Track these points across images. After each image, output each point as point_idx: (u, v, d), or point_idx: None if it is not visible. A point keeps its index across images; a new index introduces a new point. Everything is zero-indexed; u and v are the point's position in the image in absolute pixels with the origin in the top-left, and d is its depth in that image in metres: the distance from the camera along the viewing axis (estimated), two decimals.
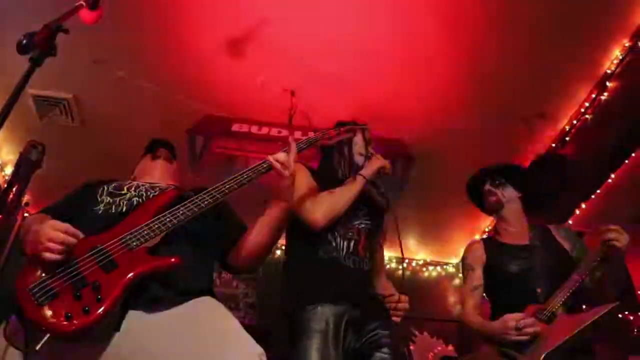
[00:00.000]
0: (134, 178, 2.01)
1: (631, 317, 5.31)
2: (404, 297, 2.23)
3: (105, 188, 1.76)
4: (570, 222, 4.43)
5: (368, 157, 2.38)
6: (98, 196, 1.72)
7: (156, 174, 2.01)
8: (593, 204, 4.21)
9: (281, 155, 1.72)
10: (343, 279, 2.09)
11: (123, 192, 1.74)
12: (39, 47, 1.29)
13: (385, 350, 1.98)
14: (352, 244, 2.18)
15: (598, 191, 4.08)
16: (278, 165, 1.69)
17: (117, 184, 1.79)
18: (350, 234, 2.20)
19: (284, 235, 2.12)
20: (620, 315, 5.28)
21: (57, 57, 1.39)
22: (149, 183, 1.84)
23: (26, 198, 5.06)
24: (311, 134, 4.00)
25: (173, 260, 1.43)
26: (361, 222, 2.26)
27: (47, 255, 1.32)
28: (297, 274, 2.18)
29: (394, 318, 2.18)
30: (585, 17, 3.57)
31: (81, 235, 1.39)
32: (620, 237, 2.18)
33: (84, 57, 3.97)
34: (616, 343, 5.43)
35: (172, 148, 2.17)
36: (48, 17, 1.40)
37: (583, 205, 4.25)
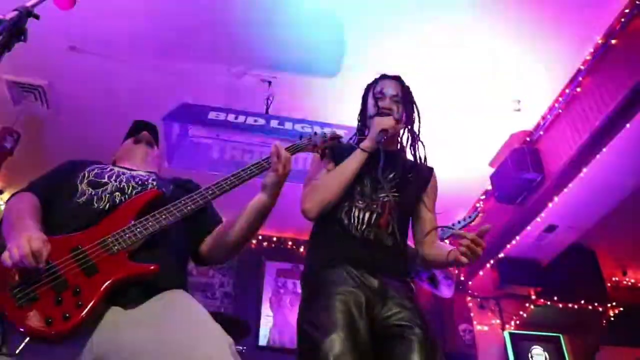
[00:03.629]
0: (115, 161, 1.99)
1: (601, 309, 5.48)
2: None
3: (87, 174, 1.73)
4: (543, 214, 4.52)
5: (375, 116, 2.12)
6: (79, 183, 1.69)
7: (137, 159, 1.98)
8: (565, 197, 4.29)
9: (286, 153, 1.72)
10: (358, 249, 1.91)
11: (104, 181, 1.70)
12: (7, 31, 1.25)
13: (417, 331, 1.75)
14: (374, 216, 1.98)
15: (570, 185, 4.16)
16: (275, 159, 1.69)
17: (98, 169, 1.76)
18: (373, 206, 1.99)
19: None
20: (590, 307, 5.46)
21: (32, 44, 1.36)
22: (130, 171, 1.82)
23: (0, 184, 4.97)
24: (289, 125, 4.03)
25: (152, 268, 1.44)
26: (387, 195, 2.01)
27: (4, 257, 1.30)
28: (312, 247, 2.05)
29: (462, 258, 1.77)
30: (560, 13, 3.64)
31: (42, 264, 1.32)
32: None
33: (59, 44, 3.90)
34: (587, 333, 5.62)
35: (155, 131, 2.14)
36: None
37: (555, 199, 4.33)
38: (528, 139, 4.68)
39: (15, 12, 1.30)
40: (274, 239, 6.03)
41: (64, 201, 1.64)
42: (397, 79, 2.23)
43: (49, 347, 1.31)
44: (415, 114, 2.22)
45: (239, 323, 3.72)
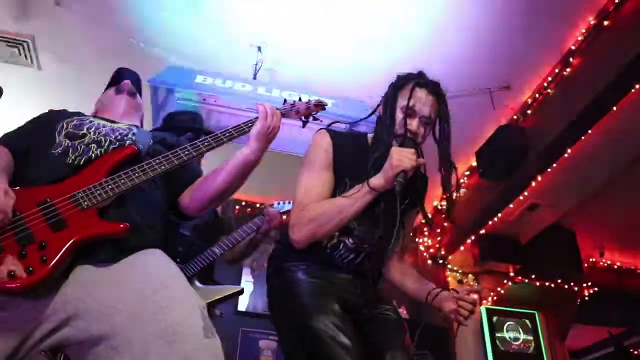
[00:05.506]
0: (96, 112, 1.95)
1: (576, 288, 5.58)
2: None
3: (65, 125, 1.69)
4: (526, 193, 4.54)
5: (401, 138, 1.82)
6: (57, 134, 1.66)
7: (118, 110, 1.94)
8: (548, 176, 4.31)
9: (270, 106, 1.69)
10: (337, 277, 1.84)
11: (82, 132, 1.67)
12: None
13: (389, 309, 1.86)
14: (359, 258, 1.88)
15: (554, 165, 4.18)
16: (262, 109, 1.66)
17: (77, 121, 1.72)
18: (363, 246, 1.86)
19: None
20: (567, 286, 5.55)
21: None
22: (111, 124, 1.78)
23: None
24: (276, 92, 4.00)
25: (122, 226, 1.41)
26: (382, 236, 1.84)
27: None
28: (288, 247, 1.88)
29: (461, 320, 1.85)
30: None
31: (7, 219, 1.31)
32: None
33: None
34: (561, 311, 5.72)
35: (138, 80, 2.09)
36: None
37: (539, 178, 4.35)
38: (515, 116, 4.68)
39: None
40: (257, 205, 6.00)
41: (39, 153, 1.61)
42: (437, 94, 1.88)
43: (15, 301, 1.30)
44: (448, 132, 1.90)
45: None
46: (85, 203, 1.41)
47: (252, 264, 5.50)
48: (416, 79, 1.88)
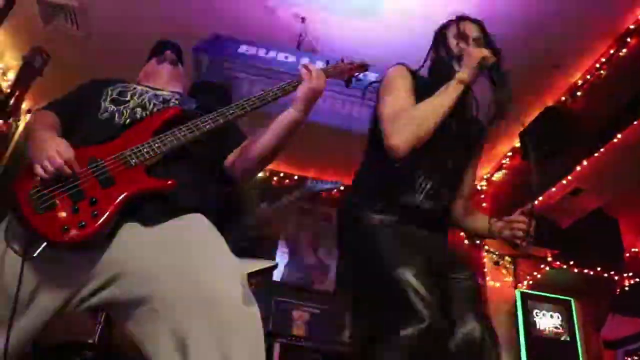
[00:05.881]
0: (139, 81, 1.98)
1: (616, 278, 5.43)
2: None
3: (110, 92, 1.74)
4: (570, 177, 4.42)
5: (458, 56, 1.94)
6: (102, 100, 1.70)
7: (161, 78, 1.97)
8: (594, 161, 4.18)
9: (315, 67, 1.68)
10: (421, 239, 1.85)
11: (126, 98, 1.71)
12: None
13: (468, 275, 1.85)
14: (436, 184, 1.90)
15: (602, 150, 4.04)
16: (305, 71, 1.66)
17: (121, 87, 1.77)
18: (436, 170, 1.90)
19: None
20: (606, 275, 5.41)
21: None
22: (153, 90, 1.82)
23: (28, 104, 5.03)
24: (320, 64, 3.98)
25: (169, 183, 1.45)
26: (454, 157, 1.95)
27: (38, 170, 1.35)
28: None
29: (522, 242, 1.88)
30: None
31: (77, 169, 1.39)
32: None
33: None
34: (598, 300, 5.60)
35: (179, 51, 2.11)
36: None
37: (585, 162, 4.22)
38: (564, 98, 4.52)
39: None
40: (295, 177, 6.03)
41: (85, 118, 1.66)
42: (479, 23, 2.05)
43: (66, 257, 1.36)
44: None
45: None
46: (133, 161, 1.45)
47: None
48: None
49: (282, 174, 6.00)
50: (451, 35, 2.02)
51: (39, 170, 1.34)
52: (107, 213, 1.34)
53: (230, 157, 1.76)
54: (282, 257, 5.55)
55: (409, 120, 1.76)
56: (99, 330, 2.13)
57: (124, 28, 4.44)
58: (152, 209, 1.45)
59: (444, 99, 1.78)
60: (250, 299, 1.36)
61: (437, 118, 1.76)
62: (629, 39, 3.88)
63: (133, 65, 2.17)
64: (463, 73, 1.82)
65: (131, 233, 1.41)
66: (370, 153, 2.05)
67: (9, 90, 4.38)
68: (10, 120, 4.63)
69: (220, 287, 1.33)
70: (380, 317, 1.68)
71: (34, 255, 1.28)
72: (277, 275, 5.43)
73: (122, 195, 1.38)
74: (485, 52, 1.82)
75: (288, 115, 1.66)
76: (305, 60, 4.10)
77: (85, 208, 1.33)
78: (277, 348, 3.59)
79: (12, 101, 4.26)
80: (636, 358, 5.53)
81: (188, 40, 4.30)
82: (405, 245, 1.75)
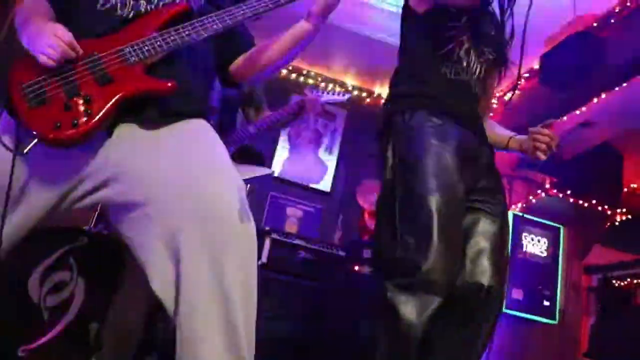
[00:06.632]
0: None
1: (609, 212, 5.48)
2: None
3: None
4: (584, 108, 4.29)
5: None
6: None
7: None
8: (613, 95, 4.03)
9: None
10: (467, 105, 1.88)
11: None
12: None
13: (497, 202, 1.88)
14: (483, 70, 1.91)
15: (624, 84, 3.88)
16: None
17: None
18: (481, 59, 1.91)
19: None
20: (600, 208, 5.45)
21: None
22: None
23: None
24: None
25: (170, 85, 1.37)
26: (490, 52, 1.97)
27: (43, 59, 1.26)
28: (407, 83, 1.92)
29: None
30: None
31: (80, 52, 1.30)
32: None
33: None
34: (587, 231, 5.68)
35: None
36: None
37: (603, 95, 4.08)
38: (595, 24, 4.26)
39: None
40: (304, 71, 5.81)
41: (84, 7, 1.51)
42: None
43: (60, 153, 1.31)
44: None
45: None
46: (133, 58, 1.36)
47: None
48: None
49: (305, 71, 5.78)
50: None
51: (43, 59, 1.26)
52: (102, 112, 1.28)
53: (236, 64, 1.68)
54: (282, 152, 5.51)
55: None
56: (94, 218, 2.13)
57: None
58: (150, 110, 1.39)
59: None
60: (247, 214, 1.34)
61: None
62: None
63: None
64: None
65: (128, 134, 1.36)
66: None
67: None
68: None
69: (220, 202, 1.30)
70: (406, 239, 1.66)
71: (25, 152, 1.24)
72: (275, 170, 5.41)
73: (118, 95, 1.30)
74: None
75: (302, 28, 1.59)
76: None
77: (79, 105, 1.27)
78: (267, 244, 3.65)
79: None
80: (613, 281, 5.64)
81: None
82: (444, 139, 1.74)
